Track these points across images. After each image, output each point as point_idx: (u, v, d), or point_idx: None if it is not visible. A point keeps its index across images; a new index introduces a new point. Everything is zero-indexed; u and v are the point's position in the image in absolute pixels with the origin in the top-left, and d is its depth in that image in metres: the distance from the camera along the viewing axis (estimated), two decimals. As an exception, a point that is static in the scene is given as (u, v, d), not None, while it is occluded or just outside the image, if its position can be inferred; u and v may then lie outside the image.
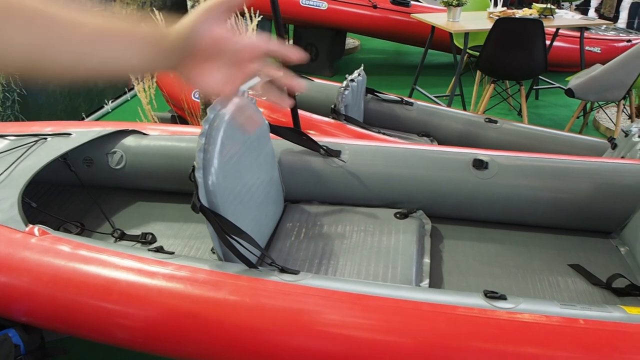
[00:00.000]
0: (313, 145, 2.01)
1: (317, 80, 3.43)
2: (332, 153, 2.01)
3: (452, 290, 1.39)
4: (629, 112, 3.94)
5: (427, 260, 1.78)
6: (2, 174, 1.74)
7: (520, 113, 4.15)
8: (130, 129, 2.14)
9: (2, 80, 3.10)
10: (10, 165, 1.77)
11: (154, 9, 2.98)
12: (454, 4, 3.88)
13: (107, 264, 1.42)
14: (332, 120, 2.73)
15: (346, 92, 2.73)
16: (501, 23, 3.54)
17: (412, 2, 5.14)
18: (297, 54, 0.69)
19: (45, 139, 1.94)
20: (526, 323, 1.24)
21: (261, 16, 2.89)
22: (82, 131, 2.02)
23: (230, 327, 1.32)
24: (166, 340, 1.37)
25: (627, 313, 1.28)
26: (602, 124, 4.28)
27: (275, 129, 1.97)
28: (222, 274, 1.38)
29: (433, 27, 4.15)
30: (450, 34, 4.07)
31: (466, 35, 3.88)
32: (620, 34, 5.56)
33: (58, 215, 1.97)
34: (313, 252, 1.78)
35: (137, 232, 1.92)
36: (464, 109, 4.08)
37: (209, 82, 0.68)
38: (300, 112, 2.69)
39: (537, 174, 1.93)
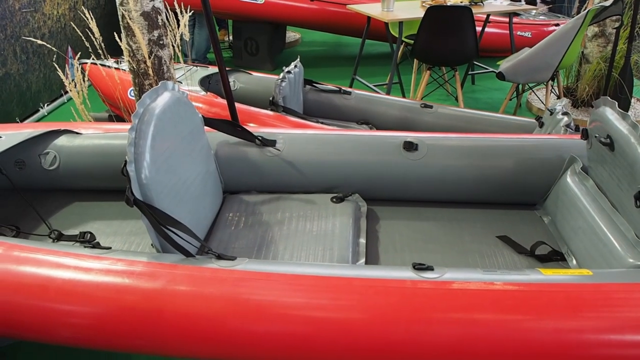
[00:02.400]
0: (248, 136, 2.05)
1: (255, 74, 3.46)
2: (267, 143, 2.05)
3: (383, 266, 1.46)
4: (558, 93, 4.13)
5: (362, 240, 1.84)
6: None
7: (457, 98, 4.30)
8: (62, 128, 2.11)
9: None
10: (-63, 172, 1.74)
11: (86, 9, 2.93)
12: (386, -6, 3.97)
13: (42, 263, 1.42)
14: (271, 113, 2.77)
15: (283, 84, 2.77)
16: (432, 11, 3.65)
17: (348, -6, 5.23)
18: None
19: (-27, 143, 1.91)
20: (450, 290, 1.32)
21: (192, 11, 2.89)
22: (12, 133, 1.99)
23: (170, 316, 1.34)
24: (107, 334, 1.38)
25: (542, 274, 1.38)
26: (534, 105, 4.48)
27: (210, 122, 2.00)
28: (159, 264, 1.40)
29: (369, 18, 4.24)
30: (386, 23, 4.16)
31: (400, 24, 3.98)
32: (550, 19, 5.81)
33: None
34: (252, 240, 1.82)
35: (75, 232, 1.91)
36: (404, 97, 4.18)
37: None
38: (239, 105, 2.72)
39: (464, 152, 2.03)
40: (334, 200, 2.01)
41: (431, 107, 3.11)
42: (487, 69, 4.94)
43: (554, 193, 1.97)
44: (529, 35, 5.54)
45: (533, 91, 4.47)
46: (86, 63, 3.03)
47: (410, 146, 2.03)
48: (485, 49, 5.35)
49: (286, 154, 2.04)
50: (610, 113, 1.66)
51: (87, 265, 1.40)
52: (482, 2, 4.35)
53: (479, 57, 4.58)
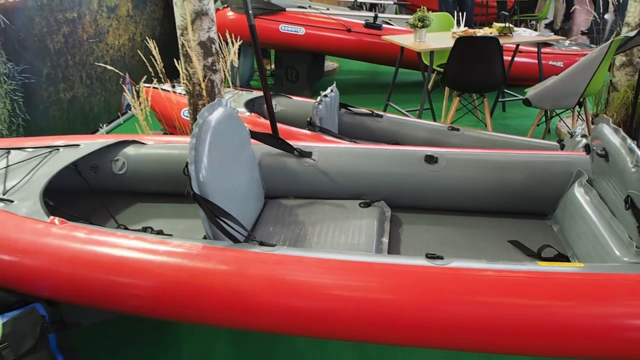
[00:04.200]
0: (288, 148, 2.34)
1: (295, 98, 3.77)
2: (304, 154, 2.34)
3: (400, 255, 1.70)
4: (585, 119, 4.29)
5: (385, 240, 2.09)
6: (23, 178, 2.05)
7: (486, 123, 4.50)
8: (130, 139, 2.46)
9: (8, 106, 3.41)
10: (30, 172, 2.08)
11: (150, 38, 3.32)
12: (419, 25, 4.25)
13: (117, 245, 1.71)
14: (309, 132, 3.05)
15: (320, 106, 3.06)
16: (462, 41, 3.91)
17: (383, 26, 5.53)
18: None
19: (58, 149, 2.26)
20: (456, 274, 1.55)
21: (241, 41, 3.24)
22: (89, 142, 2.34)
23: (219, 291, 1.61)
24: (168, 305, 1.65)
25: (538, 265, 1.59)
26: (563, 131, 4.64)
27: (255, 135, 2.29)
28: (212, 248, 1.68)
29: (402, 48, 4.52)
30: (419, 53, 4.44)
31: (432, 53, 4.25)
32: (582, 49, 5.97)
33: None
34: (289, 236, 2.09)
35: (138, 227, 2.21)
36: (434, 121, 4.41)
37: None
38: (280, 125, 3.02)
39: (480, 166, 2.26)
40: (362, 205, 2.26)
41: (458, 129, 3.33)
42: (516, 96, 5.13)
43: (562, 203, 2.17)
44: (561, 65, 5.70)
45: (561, 118, 4.63)
46: (148, 87, 3.41)
47: (430, 159, 2.28)
48: (516, 77, 5.54)
49: (321, 165, 2.32)
50: (606, 129, 1.87)
51: (154, 248, 1.69)
52: (511, 33, 4.58)
53: (508, 85, 4.76)
